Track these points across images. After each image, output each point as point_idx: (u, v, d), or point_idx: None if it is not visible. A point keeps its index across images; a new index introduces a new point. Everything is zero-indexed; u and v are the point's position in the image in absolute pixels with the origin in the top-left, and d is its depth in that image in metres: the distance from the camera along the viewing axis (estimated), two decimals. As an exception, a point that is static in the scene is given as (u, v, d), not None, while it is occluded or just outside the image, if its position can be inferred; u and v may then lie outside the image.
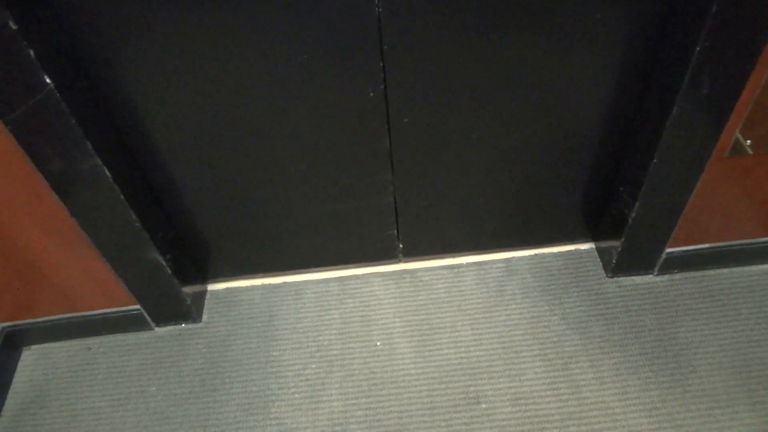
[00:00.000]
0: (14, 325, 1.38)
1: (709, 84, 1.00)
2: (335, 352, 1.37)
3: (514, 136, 1.21)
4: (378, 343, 1.37)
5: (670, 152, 1.12)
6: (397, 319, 1.41)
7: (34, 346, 1.44)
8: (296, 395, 1.31)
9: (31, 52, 0.86)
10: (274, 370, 1.35)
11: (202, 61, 1.00)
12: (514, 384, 1.29)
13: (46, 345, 1.44)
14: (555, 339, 1.35)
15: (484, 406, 1.26)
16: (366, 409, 1.27)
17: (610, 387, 1.27)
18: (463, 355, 1.34)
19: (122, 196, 1.09)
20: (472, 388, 1.29)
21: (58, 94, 0.91)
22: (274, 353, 1.38)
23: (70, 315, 1.38)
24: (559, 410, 1.24)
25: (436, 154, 1.23)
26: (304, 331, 1.41)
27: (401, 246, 1.46)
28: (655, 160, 1.14)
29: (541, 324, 1.37)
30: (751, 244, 1.36)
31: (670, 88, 1.04)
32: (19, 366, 1.42)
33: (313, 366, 1.35)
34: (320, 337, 1.40)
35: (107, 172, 1.04)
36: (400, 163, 1.23)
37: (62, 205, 1.09)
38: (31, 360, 1.42)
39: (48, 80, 0.89)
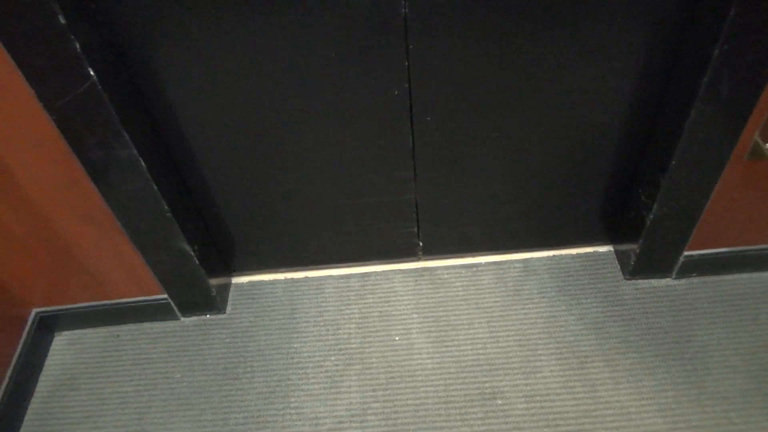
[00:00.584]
0: (47, 311, 1.44)
1: (728, 87, 1.02)
2: (354, 345, 1.40)
3: (534, 137, 1.23)
4: (396, 338, 1.40)
5: (689, 155, 1.14)
6: (416, 315, 1.44)
7: (65, 332, 1.50)
8: (315, 386, 1.34)
9: (77, 46, 0.91)
10: (294, 361, 1.39)
11: (234, 60, 1.05)
12: (530, 381, 1.30)
13: (77, 331, 1.49)
14: (571, 338, 1.36)
15: (499, 402, 1.28)
16: (383, 401, 1.30)
17: (626, 387, 1.28)
18: (480, 351, 1.36)
19: (155, 186, 1.14)
20: (488, 384, 1.31)
21: (100, 87, 0.96)
22: (294, 345, 1.42)
23: (100, 302, 1.43)
24: (575, 408, 1.26)
25: (458, 153, 1.26)
26: (325, 324, 1.45)
27: (421, 244, 1.49)
28: (673, 162, 1.15)
29: (557, 323, 1.39)
30: (771, 249, 1.37)
31: (688, 91, 1.06)
32: (50, 350, 1.47)
33: (333, 358, 1.38)
34: (340, 331, 1.43)
35: (142, 163, 1.09)
36: (422, 161, 1.27)
37: (98, 192, 1.14)
38: (62, 345, 1.48)
39: (92, 72, 0.94)
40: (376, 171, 1.28)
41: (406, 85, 1.12)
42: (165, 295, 1.42)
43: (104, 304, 1.43)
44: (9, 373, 1.33)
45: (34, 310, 1.44)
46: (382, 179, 1.30)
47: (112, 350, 1.45)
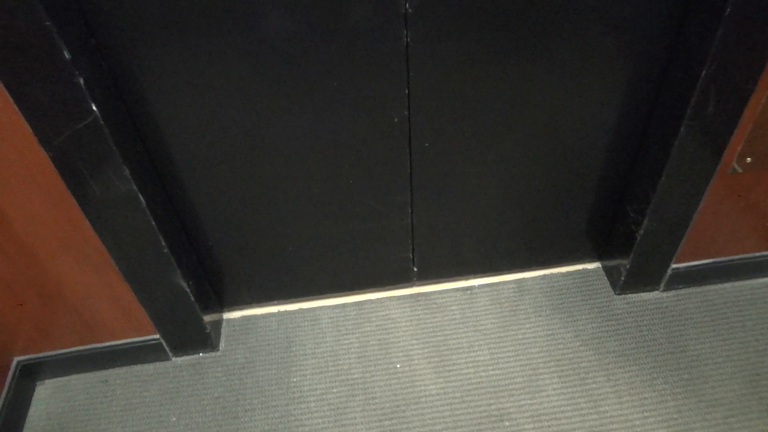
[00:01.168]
0: (30, 358, 1.37)
1: (715, 103, 1.07)
2: (356, 375, 1.38)
3: (526, 159, 1.26)
4: (398, 366, 1.39)
5: (678, 170, 1.19)
6: (415, 342, 1.43)
7: (48, 380, 1.42)
8: (319, 420, 1.31)
9: (81, 81, 0.89)
10: (295, 395, 1.36)
11: (228, 89, 1.04)
12: (535, 401, 1.31)
13: (61, 379, 1.42)
14: (571, 355, 1.38)
15: (507, 423, 1.28)
16: (390, 430, 1.28)
17: (628, 400, 1.30)
18: (483, 374, 1.36)
19: (153, 222, 1.11)
20: (494, 407, 1.31)
21: (102, 122, 0.94)
22: (294, 379, 1.39)
23: (88, 346, 1.37)
24: (581, 425, 1.27)
25: (453, 176, 1.28)
26: (323, 356, 1.42)
27: (416, 269, 1.49)
28: (663, 178, 1.20)
29: (555, 341, 1.41)
30: (753, 258, 1.43)
31: (678, 109, 1.11)
32: (33, 400, 1.39)
33: (335, 390, 1.36)
34: (339, 362, 1.41)
35: (141, 197, 1.06)
36: (419, 185, 1.28)
37: (93, 231, 1.11)
38: (46, 394, 1.40)
39: (94, 107, 0.92)
40: (373, 197, 1.28)
41: (406, 112, 1.13)
42: (157, 335, 1.37)
43: (92, 348, 1.37)
44: (-8, 427, 1.26)
45: (16, 359, 1.37)
46: (380, 204, 1.30)
47: (101, 396, 1.39)
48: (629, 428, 1.25)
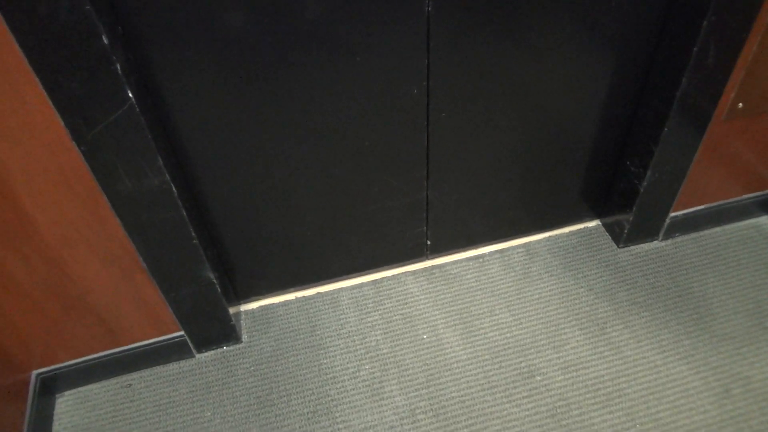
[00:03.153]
0: (48, 370, 1.32)
1: (714, 53, 1.14)
2: (385, 351, 1.40)
3: (528, 124, 1.31)
4: (425, 337, 1.42)
5: (679, 121, 1.26)
6: (437, 312, 1.46)
7: (67, 392, 1.38)
8: (357, 397, 1.32)
9: (118, 67, 0.87)
10: (328, 377, 1.36)
11: (242, 70, 1.04)
12: (561, 354, 1.37)
13: (80, 389, 1.38)
14: (587, 308, 1.44)
15: (538, 378, 1.33)
16: (429, 399, 1.31)
17: (647, 343, 1.37)
18: (507, 335, 1.41)
19: (184, 213, 1.10)
20: (523, 364, 1.35)
21: (138, 109, 0.92)
22: (324, 361, 1.39)
23: (107, 352, 1.33)
24: (608, 371, 1.33)
25: (466, 148, 1.31)
26: (349, 336, 1.43)
27: (429, 243, 1.52)
28: (665, 130, 1.27)
29: (570, 297, 1.47)
30: (740, 201, 1.53)
31: (679, 62, 1.17)
32: (54, 415, 1.34)
33: (367, 367, 1.37)
34: (366, 339, 1.42)
35: (173, 188, 1.05)
36: (434, 158, 1.30)
37: (123, 229, 1.08)
38: (67, 406, 1.35)
39: (130, 94, 0.90)
40: (392, 173, 1.30)
41: (425, 83, 1.15)
42: (181, 332, 1.35)
43: (111, 354, 1.34)
44: (21, 444, 1.21)
45: (34, 373, 1.31)
46: (398, 181, 1.32)
47: (126, 401, 1.35)
48: (652, 368, 1.33)
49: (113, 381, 1.39)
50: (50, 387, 1.35)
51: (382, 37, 1.06)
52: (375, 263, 1.52)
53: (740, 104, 1.27)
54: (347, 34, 1.03)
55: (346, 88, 1.11)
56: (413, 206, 1.40)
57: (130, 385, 1.38)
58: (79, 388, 1.38)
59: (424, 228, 1.47)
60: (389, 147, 1.24)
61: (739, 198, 1.53)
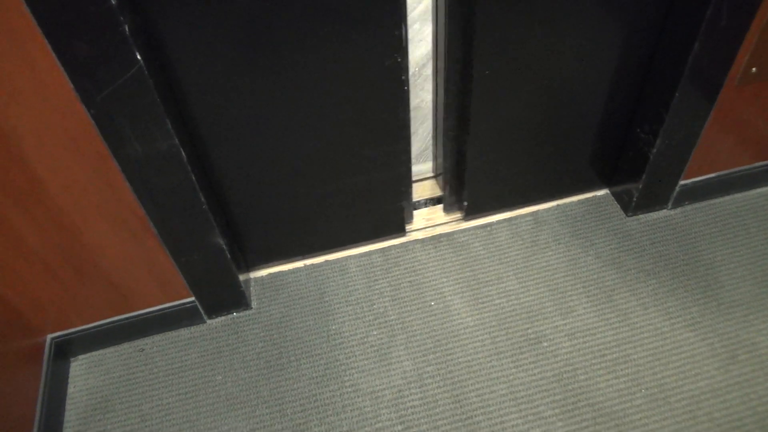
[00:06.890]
0: (62, 335, 1.35)
1: (727, 16, 1.13)
2: (393, 317, 1.41)
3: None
4: (432, 303, 1.43)
5: (690, 86, 1.25)
6: (445, 279, 1.47)
7: (81, 356, 1.40)
8: (365, 362, 1.34)
9: (126, 29, 0.87)
10: (337, 342, 1.38)
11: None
12: (568, 320, 1.38)
13: (94, 353, 1.40)
14: (594, 276, 1.45)
15: (545, 344, 1.34)
16: (436, 363, 1.33)
17: (654, 310, 1.38)
18: (515, 302, 1.41)
19: (193, 178, 1.10)
20: (530, 330, 1.37)
21: (146, 72, 0.92)
22: (333, 327, 1.41)
23: (121, 316, 1.36)
24: (615, 337, 1.34)
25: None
26: (358, 302, 1.45)
27: (437, 211, 1.52)
28: (677, 95, 1.26)
29: (578, 265, 1.47)
30: (749, 169, 1.52)
31: (691, 26, 1.16)
32: (69, 377, 1.37)
33: (375, 333, 1.39)
34: (374, 306, 1.44)
35: (182, 153, 1.05)
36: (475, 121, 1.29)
37: (133, 193, 1.09)
38: (81, 369, 1.38)
39: (138, 57, 0.90)
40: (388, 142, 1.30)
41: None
42: (192, 298, 1.37)
43: (124, 318, 1.36)
44: (38, 409, 1.23)
45: (49, 336, 1.34)
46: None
47: (140, 365, 1.38)
48: (659, 335, 1.33)
49: (126, 345, 1.42)
50: (65, 351, 1.38)
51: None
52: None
53: (754, 69, 1.25)
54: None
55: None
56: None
57: (143, 349, 1.41)
58: (93, 352, 1.41)
59: (432, 196, 1.47)
60: (376, 115, 1.24)
61: (749, 166, 1.52)
